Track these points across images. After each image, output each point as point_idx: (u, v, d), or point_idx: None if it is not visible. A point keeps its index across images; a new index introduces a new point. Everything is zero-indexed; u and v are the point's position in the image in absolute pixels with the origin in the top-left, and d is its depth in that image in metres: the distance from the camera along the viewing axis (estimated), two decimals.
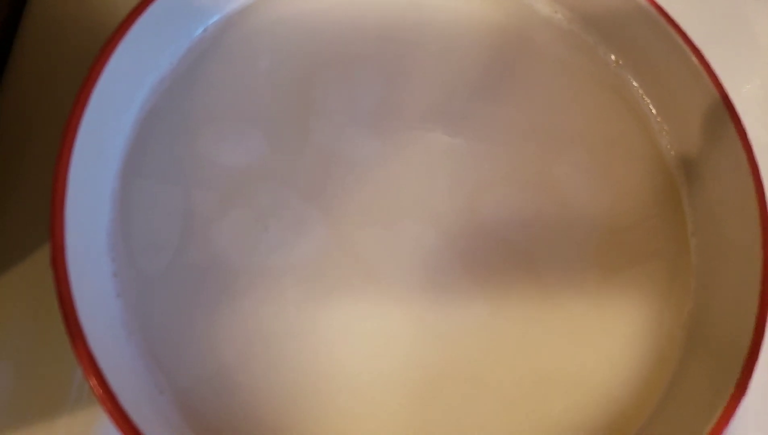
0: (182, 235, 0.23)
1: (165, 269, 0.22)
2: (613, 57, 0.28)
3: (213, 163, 0.24)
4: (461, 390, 0.23)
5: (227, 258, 0.23)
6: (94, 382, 0.18)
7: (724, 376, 0.22)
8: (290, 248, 0.23)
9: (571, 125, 0.27)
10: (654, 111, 0.28)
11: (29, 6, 0.28)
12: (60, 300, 0.18)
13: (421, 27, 0.28)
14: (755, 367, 0.21)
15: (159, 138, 0.24)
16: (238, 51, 0.26)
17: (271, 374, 0.22)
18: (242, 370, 0.22)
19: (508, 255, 0.24)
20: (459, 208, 0.25)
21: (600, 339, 0.24)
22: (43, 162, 0.26)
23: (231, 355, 0.22)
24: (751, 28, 0.34)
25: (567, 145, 0.26)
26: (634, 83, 0.28)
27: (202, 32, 0.26)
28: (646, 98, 0.28)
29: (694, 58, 0.25)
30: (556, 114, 0.27)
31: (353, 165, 0.25)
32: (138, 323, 0.22)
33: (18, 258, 0.25)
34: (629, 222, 0.26)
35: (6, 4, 0.28)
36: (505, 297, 0.24)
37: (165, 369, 0.21)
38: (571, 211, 0.25)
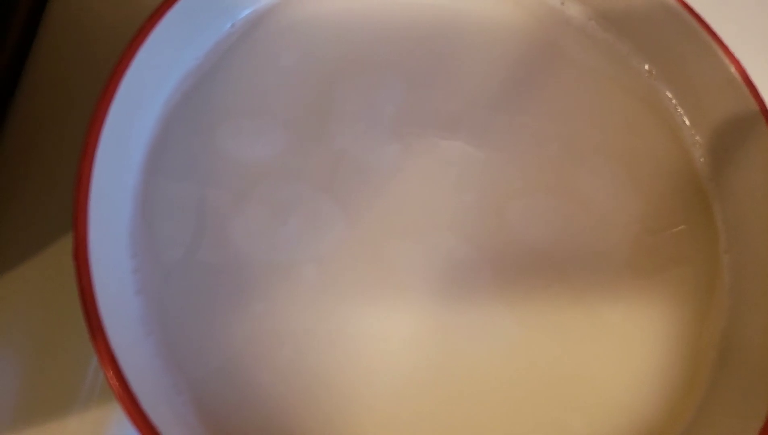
0: (202, 231, 0.23)
1: (186, 266, 0.22)
2: (647, 66, 0.28)
3: (233, 159, 0.24)
4: (484, 399, 0.22)
5: (248, 254, 0.22)
6: (113, 380, 0.18)
7: (756, 401, 0.21)
8: (310, 244, 0.23)
9: (601, 135, 0.26)
10: (687, 122, 0.27)
11: (51, 1, 0.28)
12: (81, 295, 0.18)
13: (449, 32, 0.27)
14: None
15: (182, 134, 0.24)
16: (264, 48, 0.25)
17: (291, 376, 0.21)
18: (262, 370, 0.21)
19: (537, 264, 0.24)
20: (485, 215, 0.24)
21: (629, 354, 0.23)
22: (65, 155, 0.25)
23: (251, 356, 0.21)
24: None
25: (596, 155, 0.26)
26: (668, 94, 0.27)
27: (229, 28, 0.25)
28: (679, 109, 0.27)
29: (733, 69, 0.24)
30: (585, 123, 0.26)
31: (373, 167, 0.24)
32: (157, 322, 0.21)
33: (31, 252, 0.25)
34: (659, 233, 0.25)
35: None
36: (533, 306, 0.23)
37: (184, 369, 0.21)
38: (600, 221, 0.25)
